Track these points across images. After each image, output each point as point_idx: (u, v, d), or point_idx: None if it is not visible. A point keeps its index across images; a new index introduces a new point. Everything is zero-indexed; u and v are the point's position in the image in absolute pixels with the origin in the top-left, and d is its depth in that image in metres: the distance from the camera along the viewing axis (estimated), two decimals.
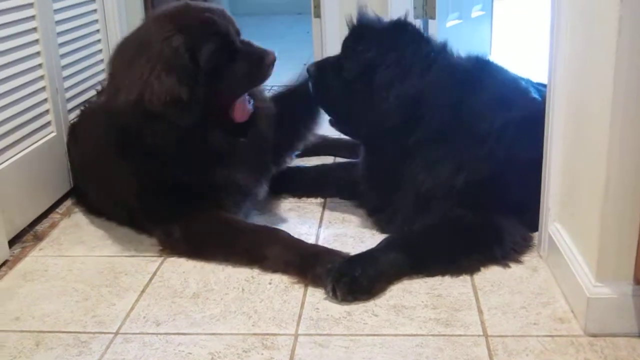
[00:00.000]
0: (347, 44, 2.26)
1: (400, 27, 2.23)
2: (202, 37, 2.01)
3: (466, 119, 2.11)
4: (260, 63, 2.11)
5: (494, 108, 2.12)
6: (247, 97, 2.16)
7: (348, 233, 2.25)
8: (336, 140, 2.81)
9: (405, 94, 2.09)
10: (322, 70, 2.29)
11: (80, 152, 2.45)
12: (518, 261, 2.02)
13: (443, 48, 2.24)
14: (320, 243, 2.18)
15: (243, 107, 2.14)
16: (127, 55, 2.07)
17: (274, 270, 2.00)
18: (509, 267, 2.00)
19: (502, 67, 2.31)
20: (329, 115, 2.33)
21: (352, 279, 1.85)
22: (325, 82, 2.26)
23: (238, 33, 2.14)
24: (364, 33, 2.22)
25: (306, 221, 2.35)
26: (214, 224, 2.12)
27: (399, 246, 1.99)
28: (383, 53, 2.14)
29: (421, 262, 1.97)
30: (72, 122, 2.60)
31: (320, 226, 2.32)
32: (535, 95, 2.20)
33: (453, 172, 2.09)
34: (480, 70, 2.22)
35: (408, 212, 2.14)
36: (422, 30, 2.35)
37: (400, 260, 1.95)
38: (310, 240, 2.19)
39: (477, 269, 1.98)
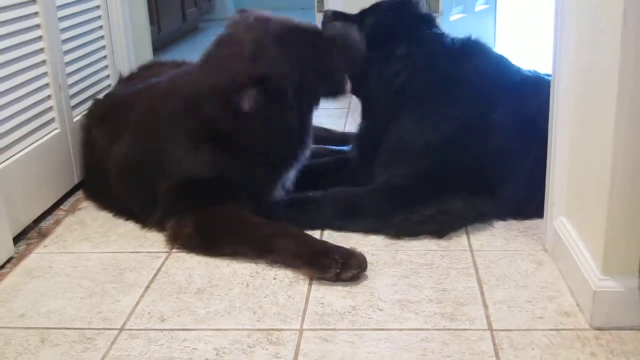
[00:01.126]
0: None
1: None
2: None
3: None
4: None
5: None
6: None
7: (351, 236, 2.22)
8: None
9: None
10: None
11: (115, 134, 2.39)
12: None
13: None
14: (325, 239, 2.17)
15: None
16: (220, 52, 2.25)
17: (282, 260, 2.01)
18: None
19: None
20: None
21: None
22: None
23: None
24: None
25: None
26: (228, 215, 2.14)
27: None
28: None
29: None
30: (94, 106, 2.62)
31: None
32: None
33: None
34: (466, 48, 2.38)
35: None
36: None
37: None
38: (315, 236, 2.18)
39: None
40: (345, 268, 1.91)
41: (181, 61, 2.85)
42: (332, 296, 1.85)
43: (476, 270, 1.96)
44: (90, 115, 2.60)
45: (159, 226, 2.24)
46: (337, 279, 1.90)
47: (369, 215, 2.19)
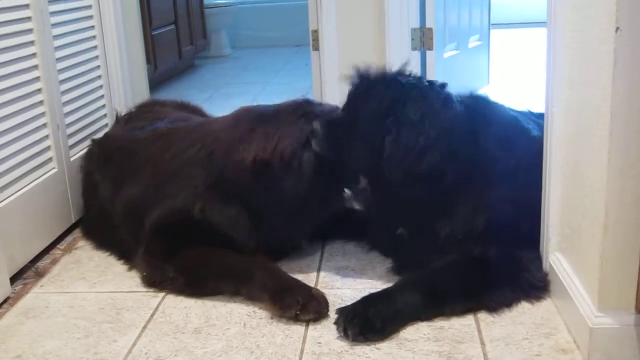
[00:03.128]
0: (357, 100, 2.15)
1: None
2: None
3: (480, 163, 2.06)
4: None
5: (504, 149, 2.08)
6: None
7: (349, 266, 2.25)
8: None
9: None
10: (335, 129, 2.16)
11: (121, 179, 2.40)
12: (541, 291, 1.98)
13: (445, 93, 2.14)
14: (321, 276, 2.18)
15: None
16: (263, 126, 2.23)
17: (253, 293, 2.02)
18: (534, 301, 1.96)
19: (499, 105, 2.28)
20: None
21: (365, 320, 1.82)
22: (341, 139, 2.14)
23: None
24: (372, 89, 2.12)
25: (308, 254, 2.35)
26: (210, 252, 2.14)
27: (416, 286, 1.94)
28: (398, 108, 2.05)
29: (439, 302, 1.91)
30: (94, 147, 2.63)
31: (321, 260, 2.31)
32: (534, 131, 2.17)
33: (471, 215, 2.03)
34: (483, 112, 2.17)
35: (427, 256, 2.05)
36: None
37: (416, 301, 1.89)
38: (312, 273, 2.19)
39: (502, 305, 1.93)
40: (304, 311, 1.91)
41: (180, 102, 2.88)
42: (329, 335, 1.85)
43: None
44: (92, 157, 2.60)
45: (139, 261, 2.23)
46: (297, 319, 1.91)
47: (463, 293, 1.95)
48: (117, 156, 2.47)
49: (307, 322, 1.90)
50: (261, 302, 1.99)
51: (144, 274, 2.19)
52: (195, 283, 2.10)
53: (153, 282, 2.16)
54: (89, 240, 2.56)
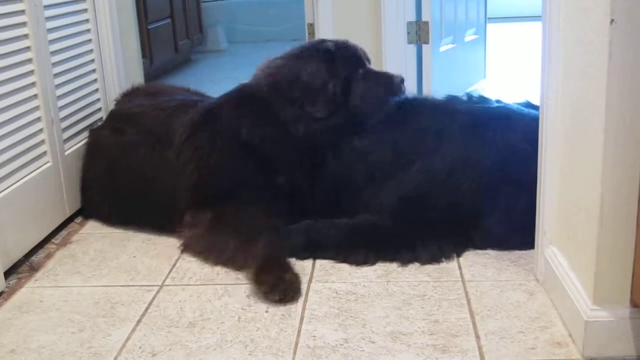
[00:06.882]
0: None
1: None
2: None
3: None
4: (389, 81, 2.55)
5: None
6: None
7: (344, 267, 2.22)
8: None
9: None
10: None
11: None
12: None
13: None
14: (317, 270, 2.18)
15: None
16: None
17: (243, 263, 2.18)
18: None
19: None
20: None
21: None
22: None
23: (368, 60, 2.61)
24: None
25: None
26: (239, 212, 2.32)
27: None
28: None
29: None
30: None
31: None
32: None
33: None
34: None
35: None
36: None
37: None
38: (307, 268, 2.19)
39: None
40: (274, 291, 2.01)
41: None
42: (324, 329, 1.85)
43: (468, 301, 1.96)
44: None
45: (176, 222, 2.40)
46: (265, 298, 2.01)
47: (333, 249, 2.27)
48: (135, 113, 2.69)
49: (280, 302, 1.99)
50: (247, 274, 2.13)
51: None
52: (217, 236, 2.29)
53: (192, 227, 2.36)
54: (99, 219, 2.67)
